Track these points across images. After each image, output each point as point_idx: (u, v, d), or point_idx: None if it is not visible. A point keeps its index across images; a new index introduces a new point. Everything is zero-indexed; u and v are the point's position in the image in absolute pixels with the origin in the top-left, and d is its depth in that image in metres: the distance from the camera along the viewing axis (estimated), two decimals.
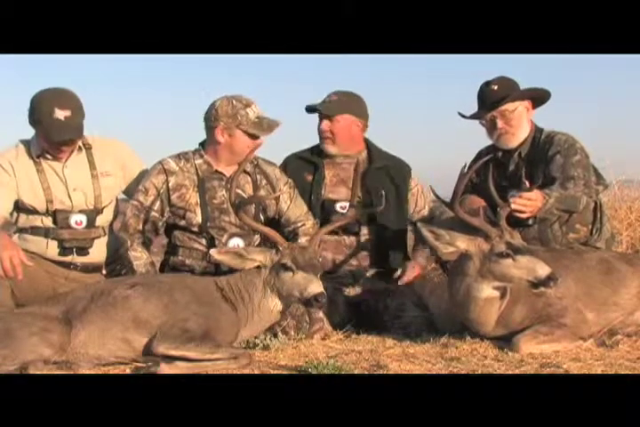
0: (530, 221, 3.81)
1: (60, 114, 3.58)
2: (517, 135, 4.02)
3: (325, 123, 4.07)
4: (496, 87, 4.00)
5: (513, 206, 3.43)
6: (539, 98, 4.08)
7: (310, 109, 4.11)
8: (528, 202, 3.47)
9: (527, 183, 3.54)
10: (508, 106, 3.97)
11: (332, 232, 3.99)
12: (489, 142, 4.21)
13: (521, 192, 3.52)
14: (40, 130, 3.65)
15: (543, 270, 3.14)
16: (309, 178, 4.11)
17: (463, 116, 4.11)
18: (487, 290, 3.28)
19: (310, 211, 4.00)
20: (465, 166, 3.94)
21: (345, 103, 4.08)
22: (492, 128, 4.04)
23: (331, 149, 4.10)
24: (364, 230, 4.10)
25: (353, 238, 4.09)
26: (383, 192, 3.74)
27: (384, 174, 4.14)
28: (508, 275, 3.21)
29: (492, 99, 3.99)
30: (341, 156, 4.11)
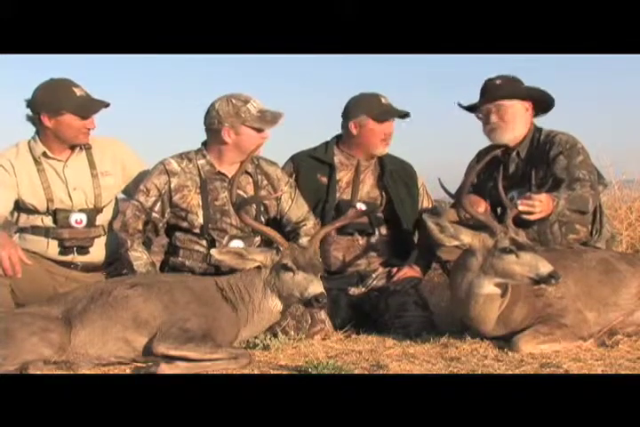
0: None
1: (80, 91, 3.72)
2: (509, 132, 4.02)
3: (392, 125, 4.09)
4: (499, 82, 4.04)
5: (520, 208, 3.43)
6: (540, 100, 4.08)
7: (391, 114, 4.07)
8: (536, 203, 3.46)
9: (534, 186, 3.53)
10: (506, 101, 3.98)
11: (347, 233, 4.01)
12: (486, 144, 4.23)
13: (528, 193, 3.51)
14: (67, 113, 3.67)
15: (545, 268, 3.14)
16: (324, 179, 4.11)
17: (461, 106, 4.14)
18: (488, 286, 3.28)
19: (325, 211, 4.01)
20: (474, 161, 3.95)
21: None
22: (485, 121, 4.05)
23: (387, 150, 4.13)
24: (379, 231, 4.11)
25: (367, 239, 4.10)
26: (383, 193, 3.75)
27: (397, 175, 4.17)
28: (510, 271, 3.21)
29: (492, 91, 4.02)
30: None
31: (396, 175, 4.16)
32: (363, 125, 4.10)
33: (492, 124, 4.02)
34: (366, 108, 4.09)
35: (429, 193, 4.26)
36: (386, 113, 4.07)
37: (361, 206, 4.01)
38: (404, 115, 4.10)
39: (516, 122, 4.02)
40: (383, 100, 4.09)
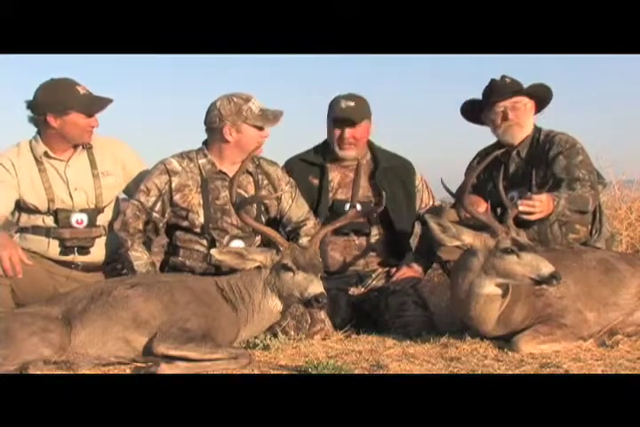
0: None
1: (82, 90, 3.74)
2: (523, 130, 4.05)
3: (349, 130, 4.04)
4: (509, 80, 4.05)
5: (520, 208, 3.44)
6: (543, 99, 4.11)
7: (341, 120, 4.03)
8: (537, 203, 3.48)
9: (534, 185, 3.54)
10: (523, 99, 4.01)
11: (342, 233, 4.01)
12: (486, 144, 4.24)
13: (528, 194, 3.52)
14: (73, 112, 3.69)
15: (547, 268, 3.15)
16: (315, 181, 4.11)
17: (470, 104, 4.13)
18: (489, 287, 3.28)
19: (318, 212, 4.01)
20: (474, 161, 3.94)
21: (362, 108, 4.08)
22: (501, 120, 4.04)
23: (351, 154, 4.09)
24: (375, 231, 4.11)
25: (363, 239, 4.10)
26: (384, 193, 3.74)
27: (392, 174, 4.15)
28: (512, 271, 3.21)
29: (506, 89, 4.02)
30: (354, 159, 4.11)
31: (390, 173, 4.15)
32: (328, 128, 4.13)
33: (510, 122, 4.02)
34: (330, 111, 4.11)
35: (430, 188, 4.25)
36: (337, 119, 4.05)
37: (357, 206, 4.01)
38: (352, 123, 4.02)
39: (529, 120, 4.06)
40: (343, 105, 4.05)
